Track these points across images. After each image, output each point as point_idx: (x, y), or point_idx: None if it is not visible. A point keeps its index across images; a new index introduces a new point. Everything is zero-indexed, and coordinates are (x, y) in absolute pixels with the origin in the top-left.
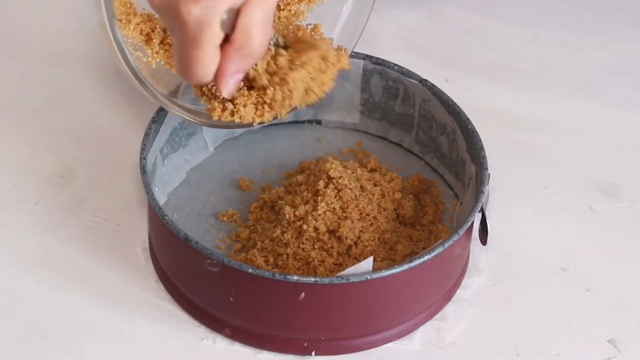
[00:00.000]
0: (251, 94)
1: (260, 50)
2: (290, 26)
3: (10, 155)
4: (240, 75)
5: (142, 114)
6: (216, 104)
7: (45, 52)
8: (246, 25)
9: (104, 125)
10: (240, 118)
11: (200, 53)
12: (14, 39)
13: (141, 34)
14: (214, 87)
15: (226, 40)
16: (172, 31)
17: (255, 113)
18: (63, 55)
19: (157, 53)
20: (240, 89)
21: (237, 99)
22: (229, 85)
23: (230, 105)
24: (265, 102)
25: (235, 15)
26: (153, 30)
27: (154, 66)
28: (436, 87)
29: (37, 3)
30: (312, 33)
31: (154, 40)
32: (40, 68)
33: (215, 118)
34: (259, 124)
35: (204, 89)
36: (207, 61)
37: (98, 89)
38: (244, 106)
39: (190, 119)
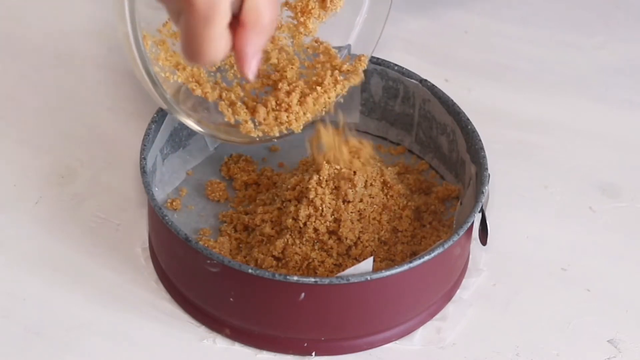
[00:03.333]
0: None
1: (272, 25)
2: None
3: (10, 155)
4: (260, 55)
5: (142, 114)
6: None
7: (45, 52)
8: (255, 4)
9: (104, 125)
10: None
11: (212, 32)
12: (14, 39)
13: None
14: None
15: (233, 22)
16: (179, 14)
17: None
18: (63, 55)
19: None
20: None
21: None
22: (252, 67)
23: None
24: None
25: None
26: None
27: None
28: (436, 87)
29: (37, 3)
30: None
31: (166, 45)
32: (40, 68)
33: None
34: (277, 138)
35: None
36: (218, 41)
37: (98, 89)
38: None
39: (201, 130)
